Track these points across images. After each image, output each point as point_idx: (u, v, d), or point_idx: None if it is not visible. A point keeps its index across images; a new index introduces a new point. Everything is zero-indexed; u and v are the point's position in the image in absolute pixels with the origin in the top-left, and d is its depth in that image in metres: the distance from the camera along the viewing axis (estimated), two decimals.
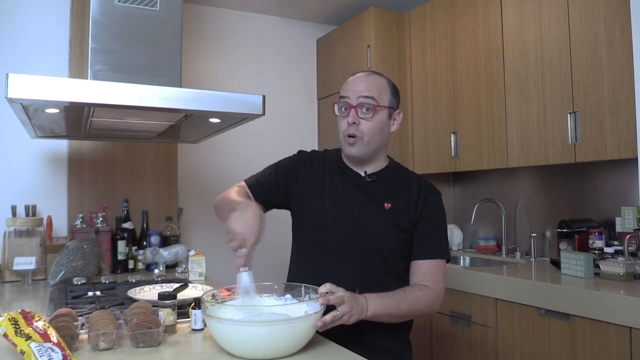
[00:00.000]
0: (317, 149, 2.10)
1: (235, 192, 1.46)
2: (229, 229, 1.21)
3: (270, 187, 1.50)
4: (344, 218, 1.41)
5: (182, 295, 1.60)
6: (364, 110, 1.38)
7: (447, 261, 1.45)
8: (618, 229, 2.30)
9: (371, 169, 1.46)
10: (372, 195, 1.43)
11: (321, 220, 1.44)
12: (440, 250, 1.42)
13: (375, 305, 1.24)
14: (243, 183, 1.53)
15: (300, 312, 1.11)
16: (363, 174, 1.45)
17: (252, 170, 1.64)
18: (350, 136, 1.39)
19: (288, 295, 1.29)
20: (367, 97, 1.38)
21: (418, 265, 1.41)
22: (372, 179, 1.45)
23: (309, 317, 1.10)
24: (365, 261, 1.40)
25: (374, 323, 1.31)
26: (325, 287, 1.18)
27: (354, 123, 1.37)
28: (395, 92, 1.45)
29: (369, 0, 3.29)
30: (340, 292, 1.17)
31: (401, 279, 1.43)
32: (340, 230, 1.41)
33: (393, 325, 1.38)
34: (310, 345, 1.17)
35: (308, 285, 1.26)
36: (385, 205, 1.41)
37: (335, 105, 1.43)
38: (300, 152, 1.56)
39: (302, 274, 1.46)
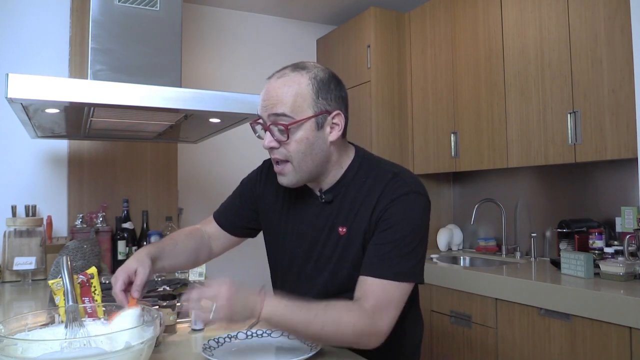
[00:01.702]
0: None
1: (182, 233, 1.34)
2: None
3: (240, 214, 1.37)
4: (298, 252, 1.24)
5: None
6: (278, 131, 1.10)
7: (419, 283, 1.13)
8: (618, 229, 2.30)
9: (326, 184, 1.20)
10: (326, 221, 1.19)
11: (279, 254, 1.30)
12: (391, 269, 1.06)
13: (273, 310, 1.00)
14: (211, 217, 1.42)
15: (119, 343, 0.88)
16: (318, 193, 1.21)
17: (251, 170, 1.61)
18: (277, 162, 1.15)
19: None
20: (277, 114, 1.09)
21: (360, 281, 1.09)
22: (327, 199, 1.19)
23: (130, 350, 0.86)
24: (328, 295, 1.14)
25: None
26: (193, 292, 0.98)
27: (273, 147, 1.12)
28: (324, 89, 1.11)
29: (369, 0, 3.29)
30: (216, 286, 0.98)
31: None
32: (297, 265, 1.25)
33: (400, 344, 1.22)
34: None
35: (143, 306, 1.04)
36: (340, 230, 1.16)
37: (254, 127, 1.18)
38: (265, 162, 1.37)
39: (276, 290, 1.37)
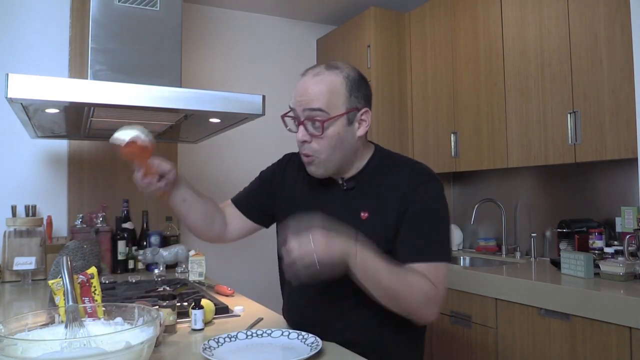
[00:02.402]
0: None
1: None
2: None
3: (255, 196, 1.42)
4: None
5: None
6: (312, 126, 1.17)
7: (449, 261, 1.19)
8: (618, 229, 2.30)
9: (349, 173, 1.27)
10: (348, 206, 1.24)
11: None
12: (435, 252, 1.15)
13: (366, 257, 1.06)
14: (229, 200, 1.47)
15: (119, 343, 0.88)
16: (340, 181, 1.28)
17: (251, 170, 1.64)
18: (305, 155, 1.22)
19: (119, 319, 1.05)
20: (313, 109, 1.16)
21: (413, 267, 1.15)
22: (349, 186, 1.26)
23: (130, 350, 0.86)
24: (346, 280, 1.12)
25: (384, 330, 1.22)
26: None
27: (305, 141, 1.19)
28: (356, 87, 1.20)
29: (369, 0, 3.29)
30: (312, 235, 1.02)
31: None
32: None
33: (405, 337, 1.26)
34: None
35: (142, 306, 1.05)
36: (362, 215, 1.21)
37: (285, 120, 1.23)
38: (285, 155, 1.45)
39: (285, 297, 1.41)
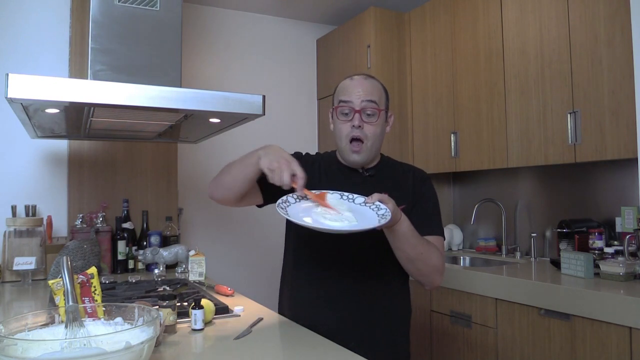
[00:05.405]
0: (317, 149, 2.05)
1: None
2: (268, 165, 1.25)
3: None
4: None
5: None
6: (368, 113, 1.41)
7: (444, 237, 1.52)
8: (618, 229, 2.30)
9: (369, 165, 1.50)
10: (368, 189, 1.40)
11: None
12: (439, 228, 1.48)
13: (407, 222, 1.30)
14: None
15: (119, 343, 0.87)
16: (360, 170, 1.49)
17: None
18: (354, 139, 1.41)
19: (119, 319, 1.04)
20: (370, 101, 1.41)
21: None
22: (370, 173, 1.50)
23: (130, 350, 0.86)
24: (363, 253, 1.42)
25: (373, 319, 1.41)
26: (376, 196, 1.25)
27: (360, 126, 1.40)
28: (388, 95, 1.51)
29: (369, 0, 3.29)
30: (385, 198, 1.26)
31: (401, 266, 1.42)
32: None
33: (392, 320, 1.46)
34: (307, 345, 1.17)
35: (142, 306, 1.06)
36: None
37: (338, 110, 1.44)
38: (296, 153, 1.56)
39: (299, 273, 1.51)
